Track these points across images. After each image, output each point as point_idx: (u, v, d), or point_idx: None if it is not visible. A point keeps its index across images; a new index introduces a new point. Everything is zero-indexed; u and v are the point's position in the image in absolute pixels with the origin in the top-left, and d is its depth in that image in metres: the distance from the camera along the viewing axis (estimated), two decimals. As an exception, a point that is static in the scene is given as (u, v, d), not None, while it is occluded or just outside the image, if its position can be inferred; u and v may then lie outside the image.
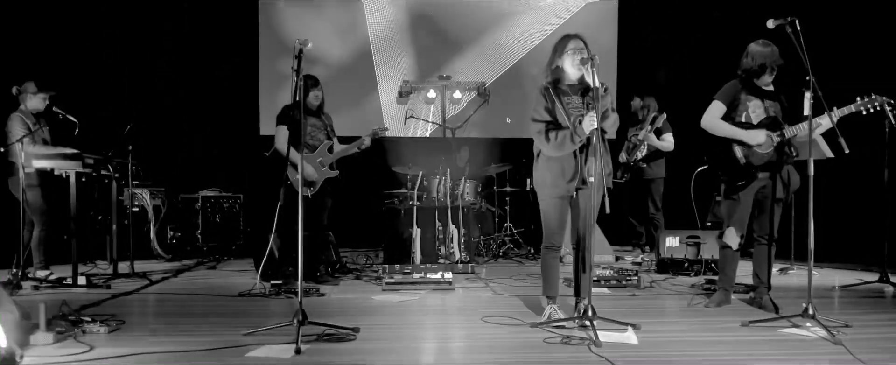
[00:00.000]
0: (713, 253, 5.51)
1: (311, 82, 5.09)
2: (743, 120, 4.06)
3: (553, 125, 3.68)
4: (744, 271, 4.48)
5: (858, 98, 3.78)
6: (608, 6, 8.59)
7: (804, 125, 3.86)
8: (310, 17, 8.25)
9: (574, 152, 3.64)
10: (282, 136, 5.04)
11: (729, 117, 4.09)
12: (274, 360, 3.00)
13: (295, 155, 4.94)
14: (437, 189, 6.41)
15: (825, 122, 3.80)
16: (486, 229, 7.54)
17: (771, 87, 4.08)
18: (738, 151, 4.08)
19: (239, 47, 8.13)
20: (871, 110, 3.78)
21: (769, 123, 4.02)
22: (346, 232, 6.99)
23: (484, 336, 3.52)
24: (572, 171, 3.68)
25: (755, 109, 4.04)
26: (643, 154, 6.65)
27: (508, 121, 8.44)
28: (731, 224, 4.14)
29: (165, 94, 7.79)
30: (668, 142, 6.59)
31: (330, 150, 5.21)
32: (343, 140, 5.39)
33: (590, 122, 3.50)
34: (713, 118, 4.08)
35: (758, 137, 3.98)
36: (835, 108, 3.71)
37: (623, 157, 6.78)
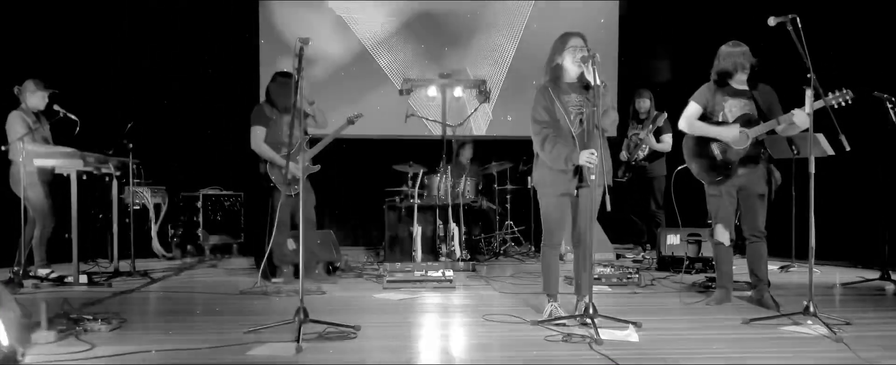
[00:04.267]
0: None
1: (294, 82, 5.08)
2: (719, 120, 4.16)
3: (552, 129, 3.67)
4: (741, 269, 4.48)
5: (829, 93, 3.79)
6: (609, 5, 8.58)
7: (782, 118, 3.94)
8: (310, 16, 8.25)
9: (574, 148, 3.62)
10: (258, 136, 5.03)
11: (706, 118, 4.19)
12: (275, 357, 3.01)
13: (276, 155, 4.96)
14: (438, 187, 6.40)
15: (798, 119, 3.84)
16: (487, 227, 7.54)
17: (745, 86, 4.15)
18: (715, 148, 4.17)
19: (239, 45, 8.13)
20: (842, 103, 3.78)
21: (744, 121, 4.08)
22: (347, 230, 7.00)
23: (485, 334, 3.53)
24: (573, 169, 3.68)
25: (731, 109, 4.14)
26: (645, 153, 6.64)
27: (509, 118, 8.45)
28: (719, 221, 4.20)
29: (166, 92, 7.78)
30: (666, 143, 6.58)
31: (308, 145, 5.22)
32: (314, 138, 5.39)
33: (586, 157, 3.51)
34: (690, 119, 4.20)
35: (732, 133, 4.07)
36: (808, 103, 3.71)
37: (624, 155, 6.77)
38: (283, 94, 5.03)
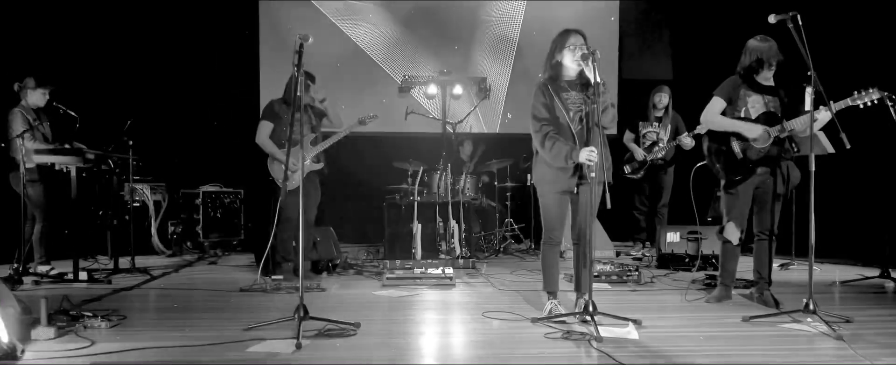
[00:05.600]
0: (714, 248, 5.51)
1: (308, 79, 5.09)
2: (742, 115, 4.08)
3: (552, 126, 3.67)
4: (744, 267, 4.48)
5: (855, 92, 3.78)
6: (609, 4, 8.58)
7: (803, 118, 3.88)
8: (310, 13, 8.24)
9: (575, 146, 3.62)
10: (264, 131, 5.05)
11: (728, 113, 4.12)
12: (275, 355, 3.01)
13: (277, 150, 4.97)
14: (438, 184, 6.40)
15: (822, 116, 3.82)
16: (487, 225, 7.54)
17: (771, 83, 4.09)
18: (736, 146, 4.11)
19: (239, 43, 8.12)
20: (869, 104, 3.78)
21: (766, 119, 4.04)
22: (346, 227, 7.00)
23: (484, 331, 3.53)
24: (573, 167, 3.67)
25: (754, 105, 4.06)
26: (664, 154, 6.59)
27: (509, 116, 8.45)
28: (731, 219, 4.16)
29: (166, 89, 7.78)
30: (691, 141, 6.56)
31: (313, 142, 5.22)
32: (326, 134, 5.38)
33: (587, 155, 3.50)
34: (713, 114, 4.12)
35: (755, 130, 4.00)
36: (831, 102, 3.71)
37: (640, 154, 6.69)
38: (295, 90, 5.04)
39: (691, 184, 4.65)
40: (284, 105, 5.10)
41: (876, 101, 3.77)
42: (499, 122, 8.51)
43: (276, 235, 4.54)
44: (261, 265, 4.75)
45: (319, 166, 5.24)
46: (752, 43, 4.04)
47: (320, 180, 5.27)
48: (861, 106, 3.75)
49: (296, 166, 4.87)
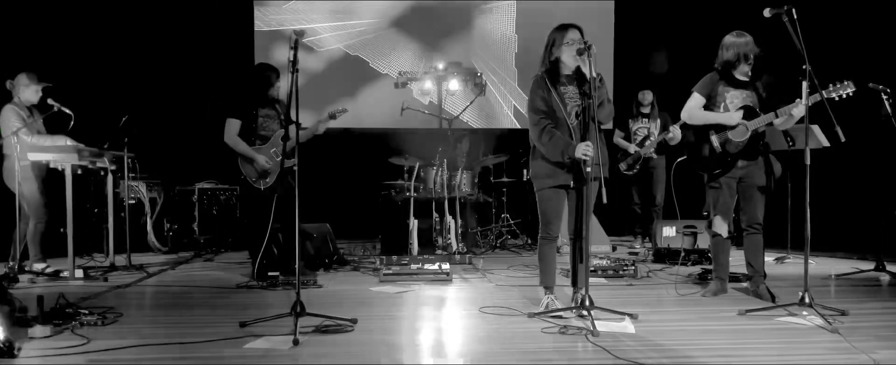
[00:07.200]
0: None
1: (275, 74, 5.05)
2: (721, 111, 4.13)
3: (550, 120, 3.66)
4: (737, 261, 4.49)
5: (830, 84, 3.79)
6: (605, 4, 8.59)
7: (782, 110, 3.93)
8: (306, 8, 8.21)
9: (571, 141, 3.62)
10: (232, 129, 4.97)
11: (708, 109, 4.17)
12: (272, 351, 3.01)
13: (247, 148, 4.92)
14: (434, 180, 6.40)
15: (798, 111, 3.84)
16: (484, 220, 7.54)
17: (748, 77, 4.13)
18: (715, 140, 4.15)
19: (235, 39, 8.09)
20: (844, 96, 3.79)
21: (744, 113, 4.07)
22: (343, 223, 6.98)
23: (481, 326, 3.53)
24: (569, 162, 3.67)
25: (733, 100, 4.11)
26: (653, 148, 6.64)
27: (506, 111, 8.44)
28: (717, 213, 4.20)
29: (162, 86, 7.75)
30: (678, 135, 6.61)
31: (283, 138, 5.17)
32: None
33: (583, 150, 3.50)
34: (692, 109, 4.18)
35: (734, 118, 4.04)
36: (808, 96, 3.71)
37: (633, 148, 6.73)
38: (262, 85, 5.00)
39: (672, 178, 4.66)
40: (252, 101, 5.03)
41: (851, 94, 3.78)
42: (495, 117, 8.49)
43: (272, 234, 4.50)
44: (256, 264, 4.74)
45: (292, 162, 5.20)
46: (729, 39, 4.08)
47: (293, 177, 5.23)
48: (837, 98, 3.76)
49: (271, 164, 4.87)
